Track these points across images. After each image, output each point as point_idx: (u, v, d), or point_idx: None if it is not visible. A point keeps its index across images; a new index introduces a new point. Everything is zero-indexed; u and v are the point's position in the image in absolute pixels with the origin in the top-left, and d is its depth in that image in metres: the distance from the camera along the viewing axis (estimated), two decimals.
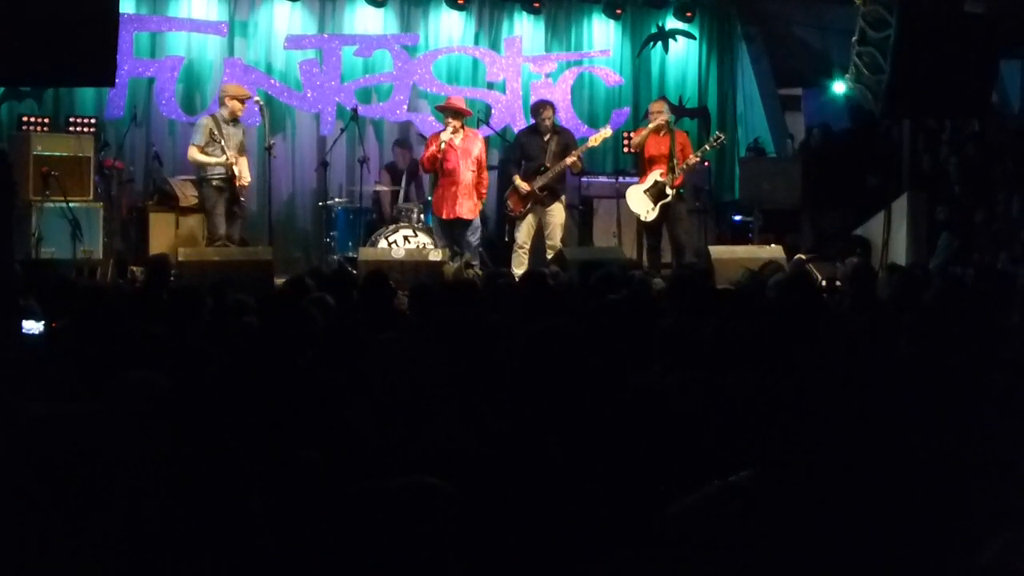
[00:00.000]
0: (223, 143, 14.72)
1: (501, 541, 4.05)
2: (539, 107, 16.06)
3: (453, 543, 3.65)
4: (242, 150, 15.14)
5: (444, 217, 15.50)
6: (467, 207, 15.48)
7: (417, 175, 16.78)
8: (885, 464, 4.29)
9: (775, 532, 3.86)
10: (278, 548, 3.88)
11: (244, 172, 14.98)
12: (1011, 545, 3.44)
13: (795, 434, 4.15)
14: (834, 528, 3.89)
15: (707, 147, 16.19)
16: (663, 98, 18.06)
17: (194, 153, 14.85)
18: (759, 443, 4.16)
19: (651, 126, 15.72)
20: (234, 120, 15.06)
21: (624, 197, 16.30)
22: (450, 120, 15.42)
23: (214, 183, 14.77)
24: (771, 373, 5.11)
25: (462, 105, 15.89)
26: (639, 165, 16.04)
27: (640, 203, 15.62)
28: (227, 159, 14.66)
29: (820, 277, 13.89)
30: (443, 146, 15.28)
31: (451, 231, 15.59)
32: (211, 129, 14.77)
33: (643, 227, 16.02)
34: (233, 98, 15.09)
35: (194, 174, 15.34)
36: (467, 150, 15.45)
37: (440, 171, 15.42)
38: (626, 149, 17.98)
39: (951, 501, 4.23)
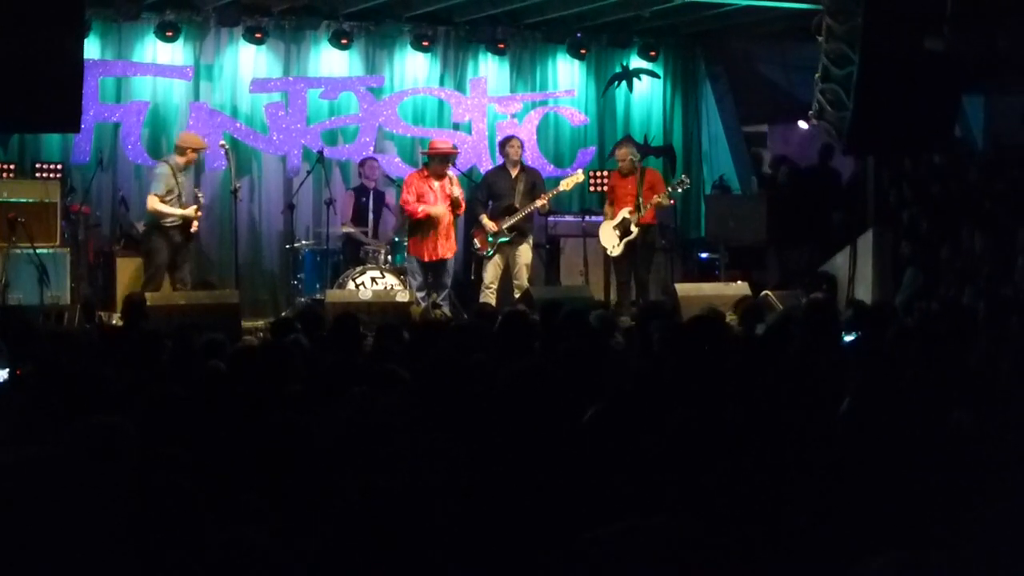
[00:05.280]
0: (179, 193, 14.70)
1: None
2: (505, 140, 16.24)
3: None
4: (191, 199, 15.10)
5: (427, 260, 15.57)
6: (447, 247, 15.61)
7: (383, 210, 16.78)
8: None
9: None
10: None
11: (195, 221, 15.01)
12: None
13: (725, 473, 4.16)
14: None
15: (669, 189, 16.28)
16: (627, 139, 18.26)
17: (155, 202, 14.74)
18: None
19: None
20: (185, 169, 15.04)
21: (591, 236, 16.44)
22: (447, 172, 15.57)
23: (168, 231, 14.70)
24: (719, 408, 5.13)
25: (449, 148, 16.01)
26: (610, 204, 16.21)
27: (608, 238, 15.88)
28: (191, 211, 14.66)
29: (782, 309, 13.94)
30: (457, 198, 15.52)
31: (431, 272, 15.66)
32: (166, 176, 14.74)
33: (611, 264, 16.18)
34: (196, 150, 15.11)
35: (147, 220, 15.27)
36: (444, 192, 15.55)
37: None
38: (592, 188, 18.11)
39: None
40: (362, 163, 17.01)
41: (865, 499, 4.39)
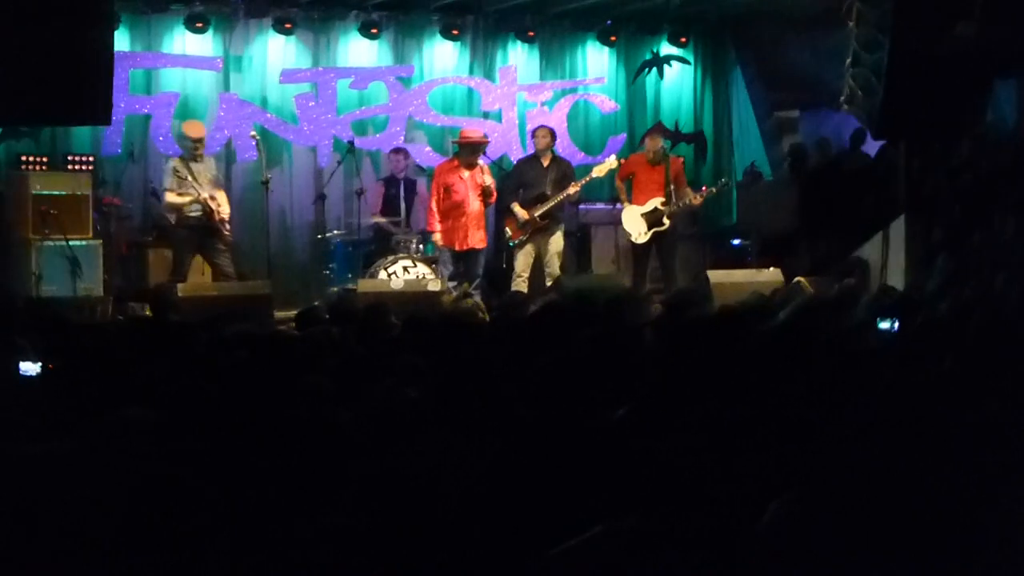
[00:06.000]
0: (193, 181, 14.71)
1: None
2: (534, 129, 16.28)
3: None
4: (217, 184, 15.16)
5: (457, 249, 15.61)
6: (478, 237, 15.61)
7: (415, 200, 16.82)
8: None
9: None
10: None
11: (223, 204, 14.99)
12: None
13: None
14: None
15: (713, 190, 16.35)
16: (658, 127, 18.24)
17: (169, 197, 14.90)
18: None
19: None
20: (198, 157, 15.06)
21: (622, 224, 16.37)
22: (478, 162, 15.59)
23: (190, 222, 14.81)
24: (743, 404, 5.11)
25: (479, 137, 15.97)
26: (628, 190, 16.06)
27: (634, 224, 15.76)
28: (199, 195, 14.65)
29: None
30: (489, 187, 15.59)
31: (462, 262, 15.68)
32: (176, 169, 14.77)
33: (631, 250, 16.11)
34: (185, 136, 15.15)
35: (171, 217, 15.34)
36: (475, 181, 15.54)
37: (447, 204, 15.53)
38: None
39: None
40: (389, 153, 17.08)
41: (892, 494, 4.36)
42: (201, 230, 14.83)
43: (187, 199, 14.72)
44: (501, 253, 16.97)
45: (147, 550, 3.90)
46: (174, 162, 14.97)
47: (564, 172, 15.85)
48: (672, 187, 15.74)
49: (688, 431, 4.82)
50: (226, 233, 15.02)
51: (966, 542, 4.06)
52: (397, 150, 17.10)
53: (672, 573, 3.76)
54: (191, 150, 15.02)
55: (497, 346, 7.81)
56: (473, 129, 16.61)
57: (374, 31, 17.76)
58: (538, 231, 15.64)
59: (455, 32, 18.23)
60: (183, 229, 14.84)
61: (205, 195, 14.69)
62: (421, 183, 16.98)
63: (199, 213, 14.76)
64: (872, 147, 18.17)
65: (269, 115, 17.54)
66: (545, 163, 15.81)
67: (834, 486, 4.18)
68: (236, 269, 15.28)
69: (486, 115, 18.62)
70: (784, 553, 3.81)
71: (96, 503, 4.27)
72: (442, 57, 18.54)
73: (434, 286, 14.65)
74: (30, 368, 7.86)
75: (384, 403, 5.56)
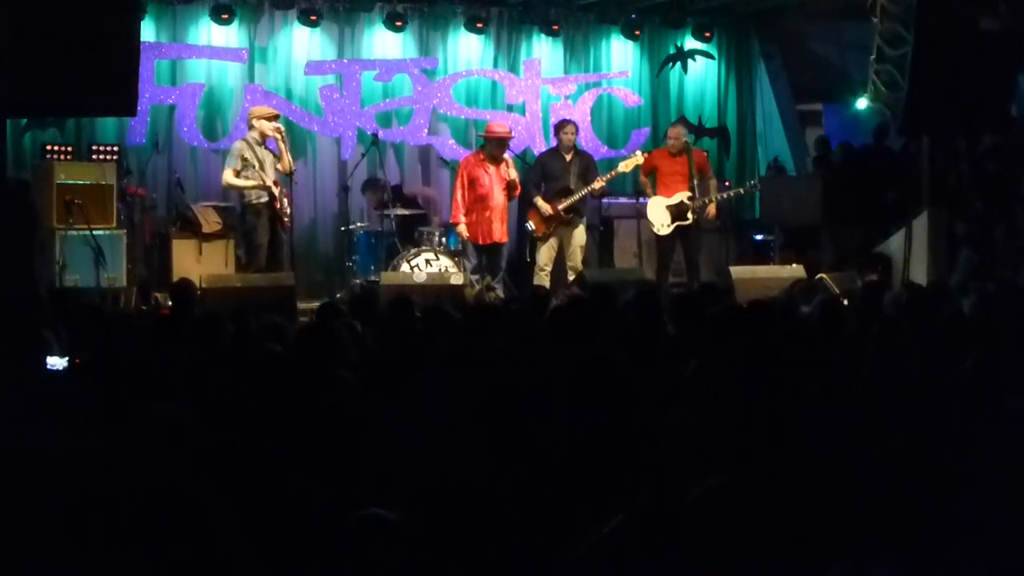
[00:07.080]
0: (258, 165, 14.72)
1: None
2: (560, 124, 16.15)
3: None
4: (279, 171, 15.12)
5: (481, 243, 15.56)
6: (502, 231, 15.59)
7: (409, 201, 17.02)
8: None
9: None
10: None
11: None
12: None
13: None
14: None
15: (741, 191, 16.31)
16: (680, 120, 18.18)
17: (229, 177, 14.83)
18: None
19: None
20: (265, 142, 15.06)
21: (645, 218, 16.30)
22: (504, 156, 15.58)
23: (257, 206, 14.80)
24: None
25: (505, 132, 15.92)
26: (653, 184, 16.02)
27: (658, 216, 15.73)
28: (264, 181, 14.64)
29: (838, 291, 13.90)
30: (514, 181, 15.60)
31: (486, 256, 15.66)
32: (244, 153, 14.79)
33: (655, 242, 16.11)
34: (260, 118, 15.10)
35: (233, 201, 15.49)
36: (500, 175, 15.53)
37: (472, 197, 15.50)
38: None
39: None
40: (368, 185, 17.25)
41: (912, 489, 4.38)
42: (269, 216, 14.86)
43: (250, 183, 14.69)
44: (523, 246, 16.98)
45: (172, 547, 3.93)
46: (240, 144, 14.95)
47: (587, 165, 15.82)
48: (696, 180, 15.71)
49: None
50: (285, 220, 15.00)
51: (987, 535, 4.09)
52: (364, 187, 17.15)
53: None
54: (266, 131, 15.01)
55: (520, 340, 7.81)
56: (499, 123, 16.58)
57: (399, 23, 17.77)
58: (561, 224, 15.62)
59: (479, 25, 18.23)
60: (254, 217, 14.82)
61: (270, 181, 14.71)
62: (412, 188, 17.26)
63: (266, 199, 14.78)
64: (895, 142, 18.15)
65: (294, 106, 17.58)
66: (568, 157, 15.77)
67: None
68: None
69: (510, 108, 18.62)
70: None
71: (122, 500, 4.30)
72: (466, 50, 18.56)
73: (456, 279, 14.69)
74: (57, 363, 7.88)
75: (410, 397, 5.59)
